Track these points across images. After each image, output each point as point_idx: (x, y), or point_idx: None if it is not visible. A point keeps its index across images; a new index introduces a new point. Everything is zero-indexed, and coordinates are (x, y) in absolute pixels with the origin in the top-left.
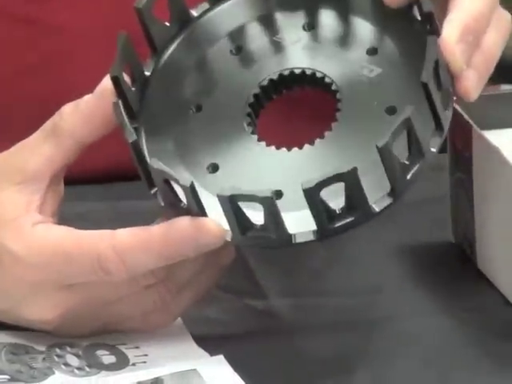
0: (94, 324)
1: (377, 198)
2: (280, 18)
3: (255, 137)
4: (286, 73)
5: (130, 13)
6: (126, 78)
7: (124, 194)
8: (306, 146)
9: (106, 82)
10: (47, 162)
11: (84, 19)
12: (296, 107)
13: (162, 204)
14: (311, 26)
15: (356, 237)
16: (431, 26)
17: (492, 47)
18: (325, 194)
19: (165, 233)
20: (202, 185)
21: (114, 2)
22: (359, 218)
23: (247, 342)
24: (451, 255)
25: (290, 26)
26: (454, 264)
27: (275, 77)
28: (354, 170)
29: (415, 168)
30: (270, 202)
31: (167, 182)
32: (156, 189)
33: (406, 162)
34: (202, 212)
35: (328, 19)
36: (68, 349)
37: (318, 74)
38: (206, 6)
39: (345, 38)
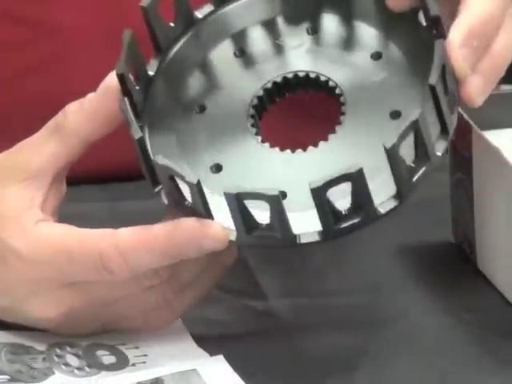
0: (95, 323)
1: (382, 200)
2: (283, 21)
3: (259, 138)
4: (290, 76)
5: (130, 13)
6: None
7: (124, 194)
8: (310, 148)
9: (110, 80)
10: (51, 160)
11: (84, 19)
12: (299, 109)
13: (166, 202)
14: (314, 30)
15: (356, 237)
16: (438, 30)
17: (502, 50)
18: (330, 195)
19: (169, 233)
20: (205, 185)
21: (114, 1)
22: (365, 219)
23: (247, 342)
24: (451, 255)
25: (294, 29)
26: (454, 264)
27: (279, 80)
28: (361, 170)
29: (421, 171)
30: (277, 201)
31: (172, 178)
32: (160, 187)
33: (412, 165)
34: (207, 210)
35: (331, 23)
36: (68, 349)
37: (322, 78)
38: (210, 7)
39: (348, 42)
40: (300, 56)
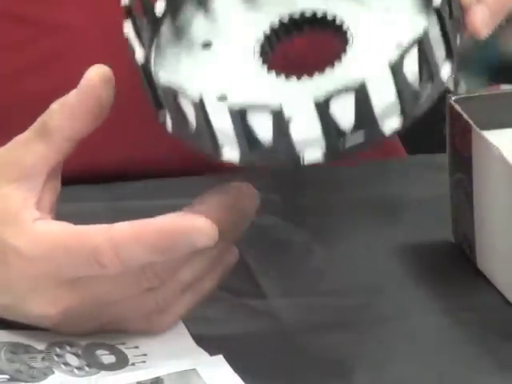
0: (95, 323)
1: (386, 121)
2: None
3: (265, 66)
4: (297, 16)
5: None
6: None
7: (124, 194)
8: (317, 74)
9: (89, 76)
10: (42, 160)
11: (84, 18)
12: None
13: (170, 130)
14: None
15: (356, 237)
16: None
17: None
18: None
19: (160, 226)
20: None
21: (114, 1)
22: (368, 138)
23: (247, 342)
24: (451, 255)
25: None
26: (454, 264)
27: (285, 20)
28: (364, 82)
29: (426, 92)
30: (280, 116)
31: (176, 101)
32: (165, 113)
33: (417, 88)
34: (210, 133)
35: None
36: (68, 348)
37: (329, 16)
38: None
39: None
40: None
